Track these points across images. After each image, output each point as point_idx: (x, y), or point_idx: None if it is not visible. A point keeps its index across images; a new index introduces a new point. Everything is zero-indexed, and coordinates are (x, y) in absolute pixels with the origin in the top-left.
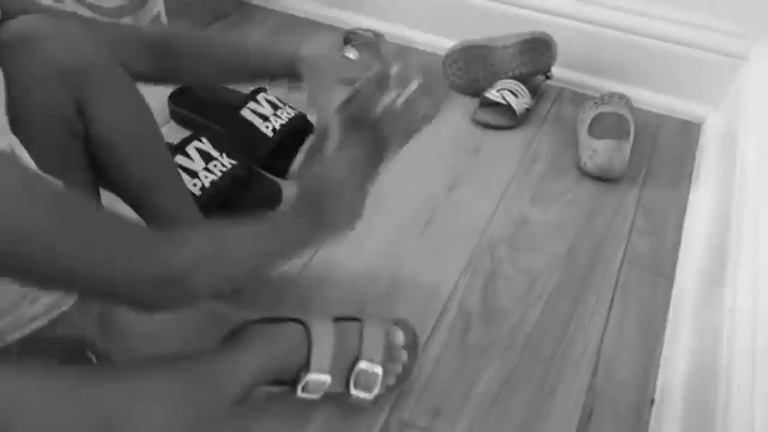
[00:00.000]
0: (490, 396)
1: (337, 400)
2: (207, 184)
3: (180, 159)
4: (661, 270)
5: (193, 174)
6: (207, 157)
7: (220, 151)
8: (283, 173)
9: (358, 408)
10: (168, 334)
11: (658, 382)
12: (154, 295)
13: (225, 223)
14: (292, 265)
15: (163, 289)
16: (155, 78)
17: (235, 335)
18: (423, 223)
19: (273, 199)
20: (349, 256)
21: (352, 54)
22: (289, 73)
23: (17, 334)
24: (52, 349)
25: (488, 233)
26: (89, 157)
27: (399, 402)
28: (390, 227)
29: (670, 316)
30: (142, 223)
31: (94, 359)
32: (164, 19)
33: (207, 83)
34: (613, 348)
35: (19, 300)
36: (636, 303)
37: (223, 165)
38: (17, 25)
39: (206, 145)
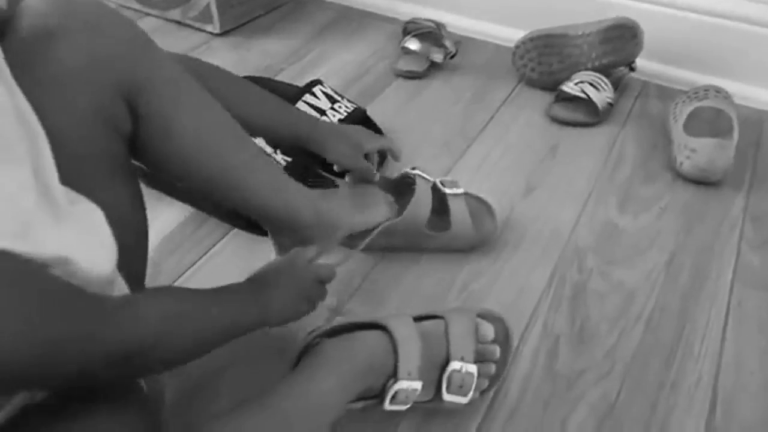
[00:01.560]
0: None
1: (418, 411)
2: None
3: (308, 98)
4: None
5: (322, 112)
6: (331, 99)
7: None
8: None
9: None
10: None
11: None
12: (103, 373)
13: (175, 293)
14: (356, 275)
15: (115, 367)
16: None
17: (310, 355)
18: (498, 229)
19: None
20: (412, 265)
21: (412, 44)
22: (295, 143)
23: None
24: None
25: (573, 242)
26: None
27: None
28: None
29: None
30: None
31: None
32: (215, 11)
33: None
34: (733, 380)
35: None
36: (754, 328)
37: (346, 107)
38: (32, 16)
39: (328, 89)
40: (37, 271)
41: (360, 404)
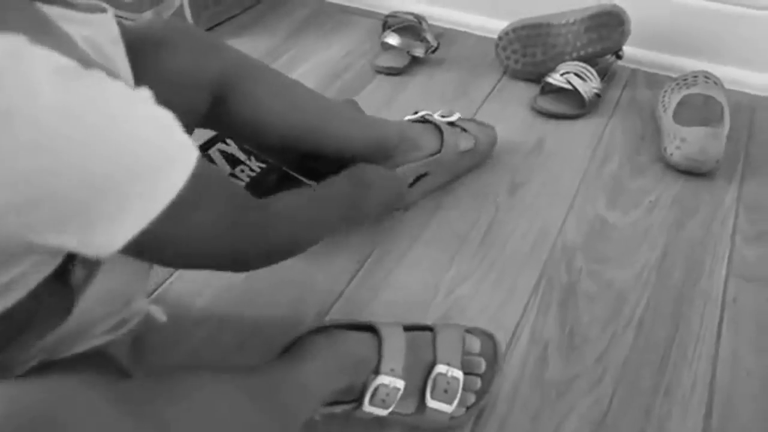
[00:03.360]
0: None
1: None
2: None
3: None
4: None
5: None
6: (233, 161)
7: (248, 154)
8: (315, 175)
9: None
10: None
11: None
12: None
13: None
14: (339, 282)
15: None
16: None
17: (298, 346)
18: (483, 229)
19: None
20: (398, 270)
21: (392, 39)
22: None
23: (76, 349)
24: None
25: (560, 241)
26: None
27: None
28: (445, 236)
29: None
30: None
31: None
32: (188, 11)
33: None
34: (729, 382)
35: (96, 320)
36: (750, 325)
37: (251, 169)
38: (156, 26)
39: (232, 147)
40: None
41: (339, 408)
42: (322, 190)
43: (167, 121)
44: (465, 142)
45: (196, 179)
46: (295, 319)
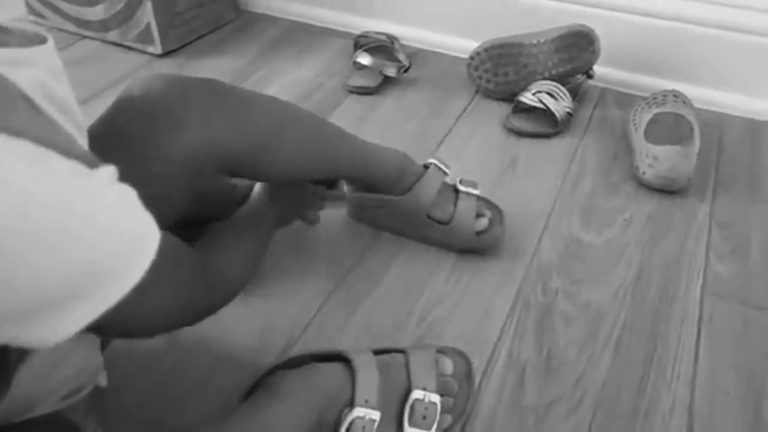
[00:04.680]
0: None
1: None
2: None
3: None
4: (751, 300)
5: None
6: None
7: None
8: None
9: None
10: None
11: None
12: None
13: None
14: (310, 309)
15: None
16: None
17: (263, 386)
18: (456, 251)
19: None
20: (369, 292)
21: (364, 58)
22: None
23: (29, 415)
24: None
25: (536, 262)
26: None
27: None
28: (418, 259)
29: None
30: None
31: None
32: (155, 31)
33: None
34: (709, 404)
35: (45, 393)
36: (728, 344)
37: None
38: (141, 92)
39: None
40: (187, 251)
41: None
42: (242, 234)
43: (128, 203)
44: (480, 222)
45: (155, 266)
46: (263, 349)
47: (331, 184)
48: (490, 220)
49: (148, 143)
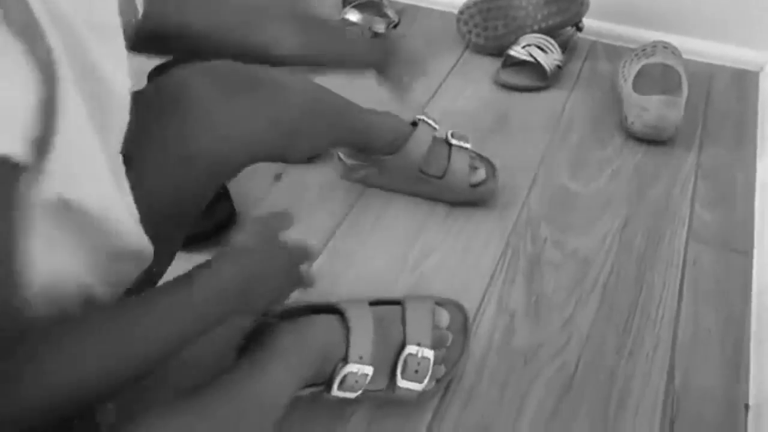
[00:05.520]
0: (548, 409)
1: (369, 404)
2: None
3: None
4: (733, 245)
5: None
6: None
7: None
8: None
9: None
10: None
11: (751, 383)
12: None
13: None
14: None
15: None
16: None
17: (259, 341)
18: (447, 203)
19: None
20: (362, 246)
21: (353, 15)
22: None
23: None
24: None
25: (525, 212)
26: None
27: (434, 426)
28: (410, 212)
29: (754, 300)
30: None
31: None
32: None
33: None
34: (690, 343)
35: None
36: (710, 287)
37: None
38: (177, 78)
39: None
40: None
41: (307, 391)
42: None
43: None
44: (478, 174)
45: None
46: None
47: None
48: (486, 173)
49: (175, 139)
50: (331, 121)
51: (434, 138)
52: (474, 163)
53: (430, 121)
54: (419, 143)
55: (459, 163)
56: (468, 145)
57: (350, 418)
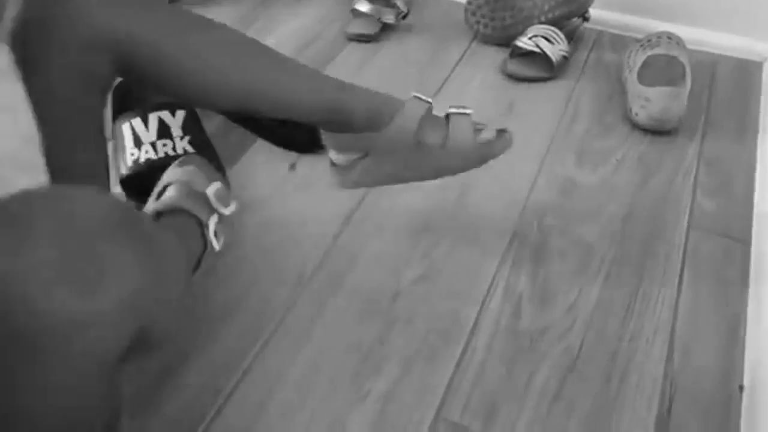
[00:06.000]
0: (551, 390)
1: (385, 380)
2: (142, 159)
3: (136, 122)
4: (733, 233)
5: (138, 143)
6: (163, 133)
7: (184, 134)
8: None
9: (411, 392)
10: None
11: (746, 365)
12: None
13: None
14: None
15: None
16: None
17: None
18: (456, 193)
19: None
20: (372, 235)
21: (362, 6)
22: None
23: None
24: None
25: (531, 201)
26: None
27: (447, 401)
28: (418, 201)
29: (752, 286)
30: None
31: None
32: None
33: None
34: (689, 327)
35: None
36: (709, 273)
37: (173, 148)
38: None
39: (175, 120)
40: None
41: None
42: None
43: None
44: (485, 133)
45: None
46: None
47: (314, 140)
48: (496, 131)
49: (55, 28)
50: (241, 55)
51: (428, 111)
52: (478, 126)
53: (422, 96)
54: (410, 114)
55: (460, 126)
56: (470, 111)
57: (366, 396)
